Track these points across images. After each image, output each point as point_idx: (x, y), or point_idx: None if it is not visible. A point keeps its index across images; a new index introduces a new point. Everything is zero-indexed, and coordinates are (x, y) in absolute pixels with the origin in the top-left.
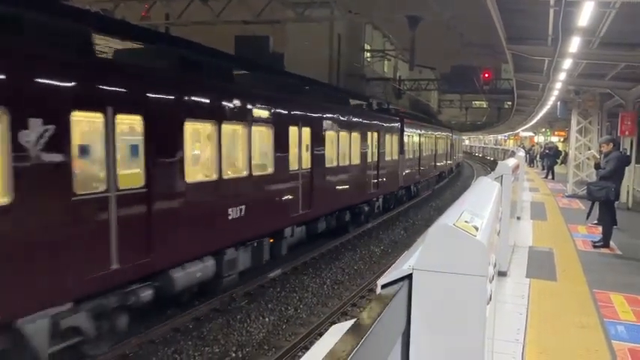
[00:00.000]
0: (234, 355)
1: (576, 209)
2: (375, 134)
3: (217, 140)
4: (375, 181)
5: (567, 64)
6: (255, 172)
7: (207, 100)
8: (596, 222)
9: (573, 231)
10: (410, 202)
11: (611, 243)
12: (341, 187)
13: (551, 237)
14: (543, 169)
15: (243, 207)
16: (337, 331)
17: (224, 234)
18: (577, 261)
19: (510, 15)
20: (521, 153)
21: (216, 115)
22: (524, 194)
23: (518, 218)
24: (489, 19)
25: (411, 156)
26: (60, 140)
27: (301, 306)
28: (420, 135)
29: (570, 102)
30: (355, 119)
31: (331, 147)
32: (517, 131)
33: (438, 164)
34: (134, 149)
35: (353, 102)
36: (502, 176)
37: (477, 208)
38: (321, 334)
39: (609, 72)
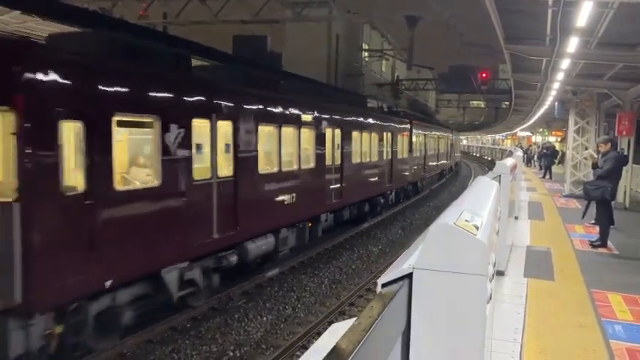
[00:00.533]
0: (232, 354)
1: (574, 209)
2: (390, 135)
3: (278, 140)
4: (390, 176)
5: (565, 64)
6: (303, 166)
7: (272, 109)
8: (593, 222)
9: (571, 231)
10: (416, 196)
11: (609, 243)
12: (363, 181)
13: (549, 237)
14: (541, 168)
15: (294, 194)
16: (337, 330)
17: (281, 216)
18: (574, 261)
19: (509, 15)
20: (519, 153)
21: (278, 120)
22: (522, 194)
23: (516, 218)
24: (488, 19)
25: (417, 154)
26: (187, 140)
27: (299, 305)
28: (425, 135)
29: (568, 102)
30: (374, 121)
31: (356, 146)
32: (515, 131)
33: (440, 162)
34: (227, 147)
35: (370, 104)
36: (500, 176)
37: (476, 207)
38: (319, 334)
39: (607, 72)
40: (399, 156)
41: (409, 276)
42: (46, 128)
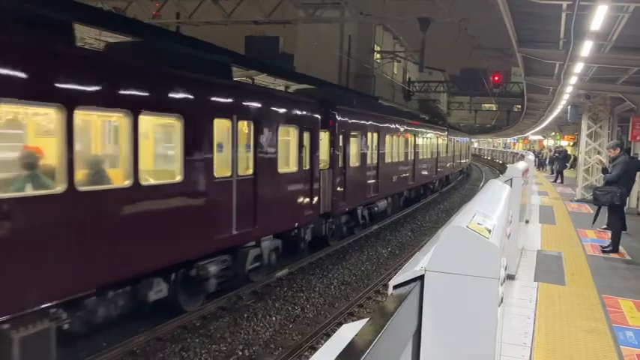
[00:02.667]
0: (240, 353)
1: (585, 214)
2: (437, 139)
3: (299, 140)
4: (436, 169)
5: (579, 67)
6: (352, 164)
7: (289, 111)
8: (605, 227)
9: (582, 235)
10: (447, 186)
11: (620, 248)
12: (423, 172)
13: (560, 241)
14: (552, 172)
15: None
16: (347, 331)
17: (398, 184)
18: (586, 265)
19: (522, 18)
20: (531, 156)
21: (296, 122)
22: (533, 198)
23: (527, 222)
24: (500, 22)
25: (451, 155)
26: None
27: (308, 306)
28: (455, 141)
29: (581, 106)
30: (431, 131)
31: (424, 148)
32: (526, 134)
33: (463, 161)
34: (247, 147)
35: (427, 121)
36: (512, 179)
37: (488, 210)
38: (328, 335)
39: (621, 76)
40: (442, 155)
41: (421, 278)
42: (338, 137)
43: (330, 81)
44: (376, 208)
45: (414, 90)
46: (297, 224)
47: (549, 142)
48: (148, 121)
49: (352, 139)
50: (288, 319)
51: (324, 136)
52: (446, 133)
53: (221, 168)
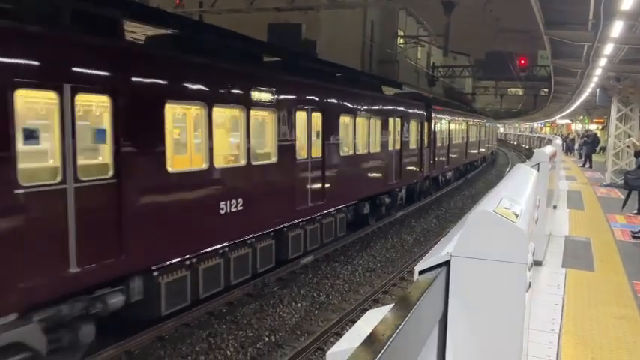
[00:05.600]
0: (267, 339)
1: (615, 199)
2: (479, 127)
3: (367, 128)
4: (479, 149)
5: (608, 49)
6: (437, 145)
7: (414, 111)
8: (635, 212)
9: (611, 221)
10: (484, 163)
11: None
12: (469, 152)
13: (589, 226)
14: (580, 157)
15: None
16: (372, 317)
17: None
18: (615, 251)
19: None
20: (558, 141)
21: (415, 117)
22: (561, 183)
23: (555, 207)
24: (526, 3)
25: (486, 138)
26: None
27: (333, 292)
28: (489, 127)
29: (610, 89)
30: (476, 120)
31: (472, 133)
32: (553, 119)
33: (494, 144)
34: (397, 134)
35: (473, 112)
36: (539, 164)
37: (515, 195)
38: (353, 321)
39: None
40: (482, 139)
41: (447, 263)
42: (431, 126)
43: (354, 67)
44: (447, 176)
45: (438, 75)
46: (415, 180)
47: (577, 126)
48: (317, 116)
49: (438, 127)
50: (313, 306)
51: (426, 125)
52: (485, 121)
53: (391, 145)
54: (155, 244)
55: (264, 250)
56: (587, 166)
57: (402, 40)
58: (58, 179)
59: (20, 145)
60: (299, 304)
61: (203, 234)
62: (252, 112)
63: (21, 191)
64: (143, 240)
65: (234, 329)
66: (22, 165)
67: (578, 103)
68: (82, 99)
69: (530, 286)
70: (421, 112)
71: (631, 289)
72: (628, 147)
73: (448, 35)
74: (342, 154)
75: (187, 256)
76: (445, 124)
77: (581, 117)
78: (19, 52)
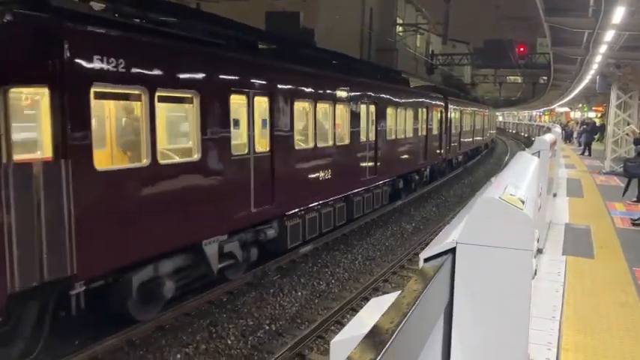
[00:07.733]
0: (267, 327)
1: (614, 186)
2: (484, 116)
3: (404, 117)
4: (483, 135)
5: (609, 35)
6: (453, 131)
7: (436, 102)
8: (635, 199)
9: (611, 208)
10: (487, 148)
11: None
12: (476, 136)
13: (588, 214)
14: (580, 145)
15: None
16: (376, 304)
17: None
18: (615, 238)
19: None
20: (557, 129)
21: (437, 107)
22: (561, 171)
23: (555, 195)
24: None
25: (488, 126)
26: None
27: (333, 281)
28: (492, 115)
29: (610, 76)
30: (482, 110)
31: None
32: (553, 107)
33: (495, 130)
34: (425, 122)
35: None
36: (540, 152)
37: (519, 182)
38: (353, 309)
39: None
40: (486, 126)
41: (452, 250)
42: (447, 114)
43: (353, 55)
44: (459, 158)
45: (437, 63)
46: (436, 162)
47: (576, 114)
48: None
49: (452, 116)
50: (313, 294)
51: (444, 115)
52: (488, 111)
53: (420, 131)
54: (287, 198)
55: (339, 210)
56: (587, 154)
57: (400, 28)
58: (246, 151)
59: (232, 130)
60: (299, 293)
61: (309, 193)
62: (337, 106)
63: (235, 157)
64: (282, 195)
65: (235, 318)
66: (233, 142)
67: (577, 90)
68: (257, 100)
69: (536, 273)
70: (441, 103)
71: (631, 276)
72: (627, 134)
73: (447, 23)
74: (388, 138)
75: (301, 208)
76: (458, 114)
77: (581, 105)
78: (231, 71)
